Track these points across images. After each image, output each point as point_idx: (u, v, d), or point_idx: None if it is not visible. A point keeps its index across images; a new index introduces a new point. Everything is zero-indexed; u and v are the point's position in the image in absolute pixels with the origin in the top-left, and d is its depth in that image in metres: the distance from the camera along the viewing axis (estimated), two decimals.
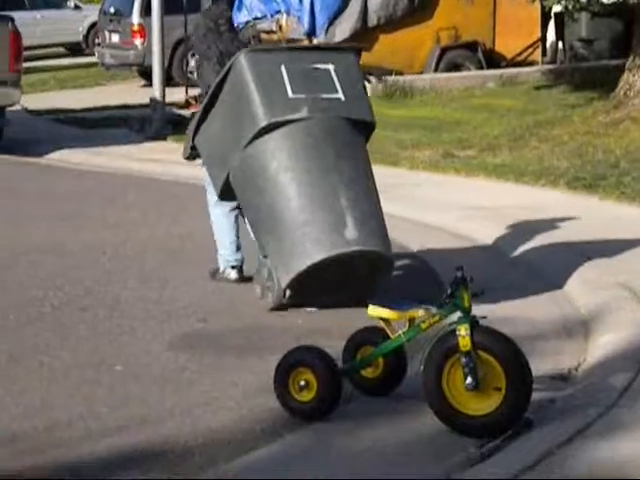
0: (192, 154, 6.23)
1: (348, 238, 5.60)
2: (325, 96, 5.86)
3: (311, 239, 5.59)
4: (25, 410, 4.25)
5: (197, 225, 8.28)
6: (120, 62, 20.47)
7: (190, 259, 7.03)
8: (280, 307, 5.72)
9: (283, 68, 5.81)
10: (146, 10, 18.11)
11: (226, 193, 5.94)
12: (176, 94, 16.14)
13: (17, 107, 13.71)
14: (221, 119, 5.90)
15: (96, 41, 24.60)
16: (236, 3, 16.63)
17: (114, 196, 9.86)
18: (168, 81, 15.16)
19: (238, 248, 6.37)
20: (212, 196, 6.32)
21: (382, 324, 4.31)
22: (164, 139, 14.07)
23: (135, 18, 19.49)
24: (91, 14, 26.07)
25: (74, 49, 27.41)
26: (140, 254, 7.12)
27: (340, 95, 5.88)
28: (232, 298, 6.05)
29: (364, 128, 5.96)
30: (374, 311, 4.28)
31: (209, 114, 5.95)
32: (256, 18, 16.32)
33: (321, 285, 5.67)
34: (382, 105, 14.38)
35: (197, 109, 17.16)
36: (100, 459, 3.81)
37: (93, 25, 25.93)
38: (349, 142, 5.86)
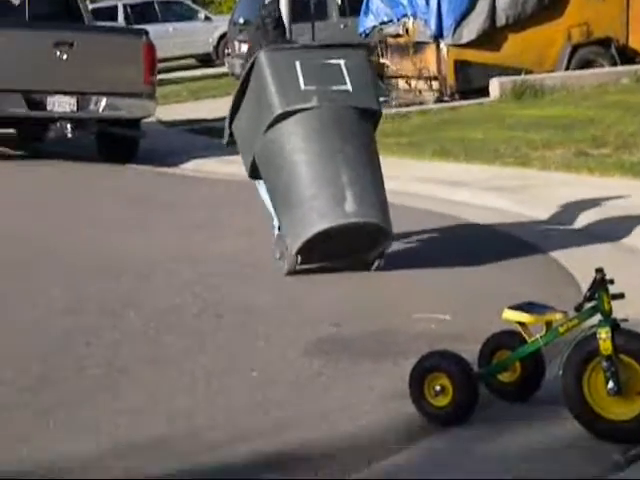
0: (229, 141, 7.10)
1: (347, 211, 6.50)
2: (335, 87, 6.69)
3: (317, 211, 6.51)
4: (168, 416, 4.33)
5: None
6: None
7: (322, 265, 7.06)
8: (294, 272, 6.62)
9: (297, 63, 6.68)
10: None
11: (253, 174, 6.96)
12: None
13: (152, 119, 14.03)
14: (248, 109, 6.81)
15: (226, 51, 25.01)
16: (363, 8, 16.71)
17: (245, 203, 9.98)
18: None
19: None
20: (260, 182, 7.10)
21: (519, 328, 4.25)
22: None
23: None
24: (221, 25, 26.52)
25: (205, 60, 27.91)
26: (272, 260, 7.18)
27: (348, 87, 6.69)
28: (363, 302, 6.06)
29: (371, 116, 6.80)
30: (510, 315, 4.23)
31: (240, 105, 6.86)
32: (382, 22, 16.34)
33: (326, 251, 6.64)
34: (511, 105, 14.23)
35: None
36: (243, 463, 3.86)
37: (223, 36, 26.37)
38: (355, 128, 6.69)
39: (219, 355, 5.12)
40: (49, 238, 7.82)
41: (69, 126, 12.25)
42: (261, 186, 7.14)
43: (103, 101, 12.29)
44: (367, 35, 16.76)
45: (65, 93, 12.10)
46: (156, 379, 4.77)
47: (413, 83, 15.97)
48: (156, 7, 27.01)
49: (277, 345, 5.27)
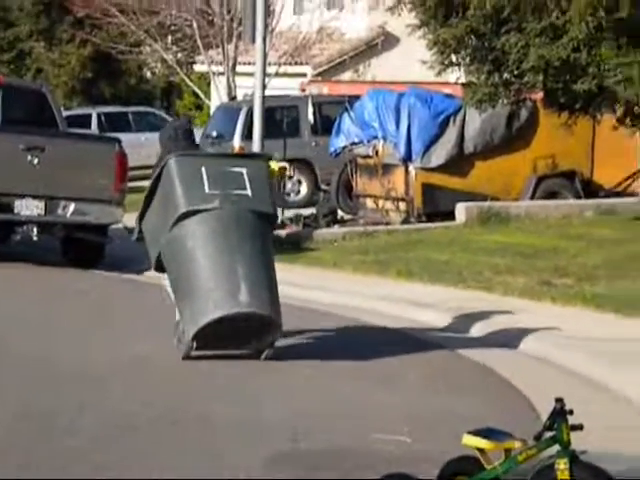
0: (138, 237, 7.78)
1: (241, 301, 7.18)
2: (236, 192, 7.44)
3: (213, 301, 7.20)
4: None
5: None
6: None
7: (268, 370, 7.01)
8: (189, 357, 7.23)
9: (203, 169, 7.42)
10: (247, 134, 18.55)
11: (158, 266, 7.63)
12: None
13: (120, 225, 14.04)
14: (155, 208, 7.54)
15: None
16: (335, 128, 16.99)
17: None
18: None
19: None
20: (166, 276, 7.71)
21: (477, 454, 4.21)
22: None
23: (236, 141, 19.96)
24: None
25: None
26: (219, 367, 7.13)
27: (248, 192, 7.46)
28: (321, 417, 6.01)
29: (267, 219, 7.63)
30: (469, 440, 4.19)
31: (150, 205, 7.58)
32: (353, 143, 16.59)
33: (221, 339, 7.26)
34: (477, 230, 14.40)
35: (292, 230, 17.32)
36: None
37: None
38: (253, 229, 7.45)
39: (168, 464, 5.03)
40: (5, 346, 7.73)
41: (35, 229, 12.23)
42: (166, 279, 7.67)
43: (72, 206, 12.31)
44: (337, 154, 17.01)
45: (34, 197, 12.13)
46: None
47: (381, 203, 16.16)
48: (130, 117, 27.29)
49: (234, 457, 5.19)
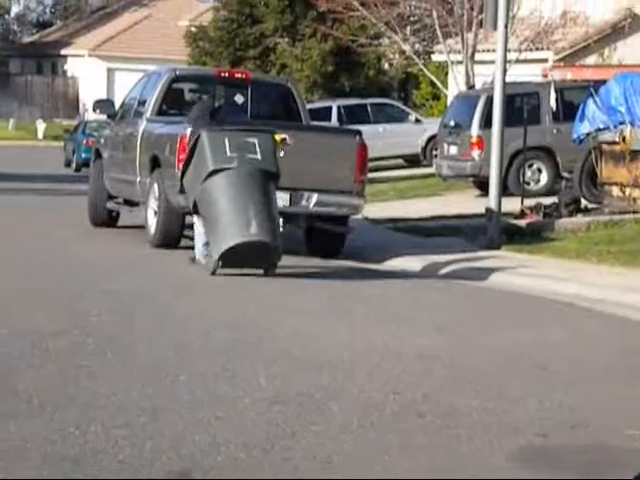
0: (181, 190, 11.01)
1: (252, 232, 10.19)
2: (249, 156, 10.49)
3: (231, 232, 10.19)
4: None
5: (534, 338, 8.18)
6: (457, 173, 20.85)
7: (527, 371, 6.93)
8: (214, 273, 10.22)
9: (226, 139, 10.53)
10: (485, 122, 18.40)
11: (195, 208, 10.70)
12: (511, 204, 16.18)
13: (359, 216, 14.25)
14: (192, 168, 10.65)
15: (434, 153, 25.25)
16: (578, 114, 16.58)
17: (446, 304, 9.96)
18: (503, 191, 15.26)
19: (203, 243, 10.84)
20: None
21: None
22: (498, 248, 14.09)
23: (474, 130, 19.83)
24: (430, 127, 26.85)
25: (412, 161, 28.27)
26: (476, 362, 7.10)
27: (258, 156, 10.53)
28: (571, 414, 5.88)
29: (271, 176, 10.60)
30: None
31: (188, 166, 10.70)
32: (598, 129, 16.14)
33: (239, 258, 10.23)
34: None
35: (532, 219, 17.19)
36: None
37: (431, 138, 26.68)
38: (261, 182, 10.50)
39: (419, 456, 5.06)
40: (257, 328, 7.99)
41: (281, 220, 12.60)
42: (196, 220, 10.88)
43: (314, 197, 12.59)
44: (581, 141, 16.59)
45: (280, 189, 12.49)
46: (358, 475, 4.75)
47: (628, 191, 15.64)
48: (369, 109, 27.65)
49: (480, 450, 5.16)
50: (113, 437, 5.00)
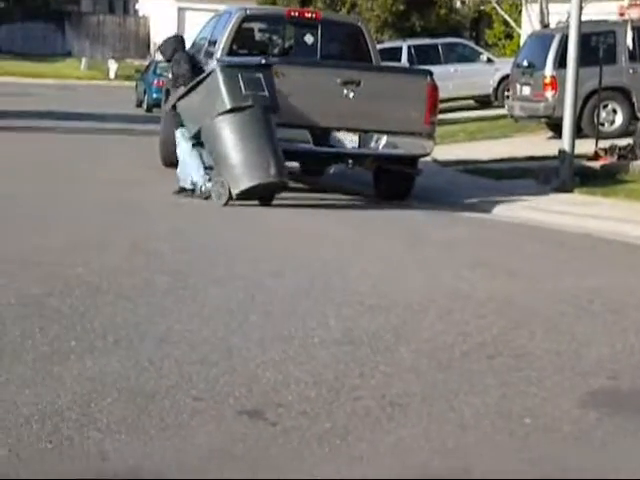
0: (173, 107, 11.80)
1: (271, 173, 11.03)
2: (260, 93, 11.11)
3: (252, 171, 10.97)
4: (437, 452, 4.33)
5: (606, 281, 8.11)
6: (530, 114, 20.59)
7: (599, 314, 6.88)
8: (226, 204, 11.04)
9: (239, 76, 11.08)
10: (559, 62, 18.11)
11: (196, 137, 11.36)
12: (584, 146, 15.96)
13: (428, 158, 14.17)
14: (200, 98, 11.15)
15: (506, 94, 24.92)
16: None
17: (517, 248, 9.90)
18: (577, 133, 15.05)
19: (203, 169, 11.57)
20: (180, 140, 11.88)
21: None
22: (571, 191, 13.95)
23: (548, 70, 19.52)
24: (502, 68, 26.49)
25: (483, 102, 27.95)
26: (548, 305, 7.07)
27: (266, 93, 11.16)
28: None
29: (274, 109, 11.25)
30: None
31: (189, 94, 11.27)
32: None
33: (253, 194, 11.07)
34: None
35: (606, 161, 16.94)
36: None
37: (503, 78, 26.33)
38: (269, 120, 11.15)
39: (489, 397, 5.08)
40: (328, 270, 8.04)
41: (350, 162, 12.58)
42: (182, 140, 11.81)
43: (383, 139, 12.54)
44: None
45: (349, 130, 12.45)
46: (427, 415, 4.79)
47: None
48: (439, 49, 27.34)
49: (550, 393, 5.16)
50: (187, 373, 5.10)
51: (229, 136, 10.94)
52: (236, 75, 11.02)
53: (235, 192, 10.95)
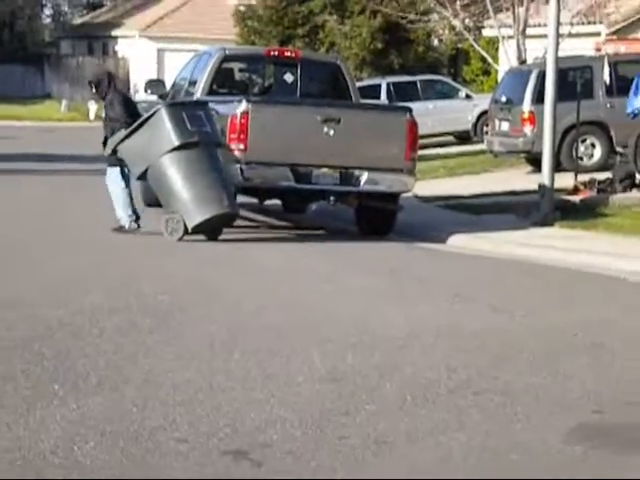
0: (113, 152, 11.66)
1: (225, 205, 11.31)
2: (203, 129, 11.38)
3: (206, 205, 11.21)
4: None
5: (589, 315, 8.12)
6: (509, 149, 20.68)
7: (583, 348, 6.88)
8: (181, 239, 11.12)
9: (183, 113, 11.36)
10: (537, 98, 18.23)
11: (142, 177, 11.61)
12: (564, 180, 16.03)
13: (409, 194, 14.18)
14: (145, 138, 11.30)
15: (484, 129, 25.07)
16: (632, 88, 16.36)
17: (499, 282, 9.91)
18: (556, 167, 15.11)
19: (133, 210, 11.86)
20: (111, 177, 12.03)
21: None
22: (551, 225, 13.98)
23: (526, 106, 19.64)
24: (480, 103, 26.65)
25: (463, 137, 28.09)
26: (531, 340, 7.07)
27: (208, 129, 11.46)
28: (626, 392, 5.84)
29: (218, 145, 11.60)
30: None
31: (132, 135, 11.39)
32: None
33: (209, 226, 11.27)
34: None
35: (586, 195, 17.00)
36: None
37: (482, 114, 26.47)
38: (215, 154, 11.49)
39: (475, 433, 5.06)
40: (311, 307, 8.01)
41: (331, 199, 12.59)
42: (112, 174, 11.95)
43: (365, 175, 12.55)
44: (636, 116, 16.36)
45: (330, 167, 12.47)
46: (413, 452, 4.76)
47: None
48: (418, 85, 27.49)
49: (536, 428, 5.15)
50: (170, 414, 5.06)
51: (179, 173, 11.20)
52: (180, 112, 11.29)
53: (191, 226, 11.16)
